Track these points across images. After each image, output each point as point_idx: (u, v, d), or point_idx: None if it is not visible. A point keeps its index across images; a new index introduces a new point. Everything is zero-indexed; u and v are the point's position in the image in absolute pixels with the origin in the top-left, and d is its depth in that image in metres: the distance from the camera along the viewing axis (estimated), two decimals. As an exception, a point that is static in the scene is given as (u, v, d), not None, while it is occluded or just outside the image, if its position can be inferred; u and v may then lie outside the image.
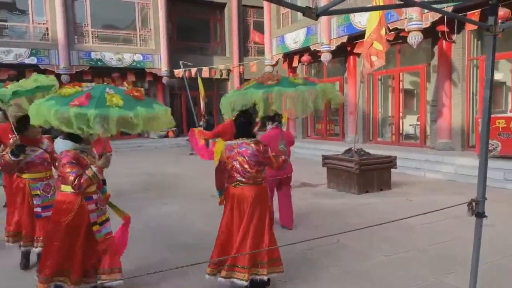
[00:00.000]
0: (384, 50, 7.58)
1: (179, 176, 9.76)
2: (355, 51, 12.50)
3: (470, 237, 2.86)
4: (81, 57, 16.56)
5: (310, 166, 10.31)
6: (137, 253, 4.34)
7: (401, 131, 12.17)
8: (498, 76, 11.40)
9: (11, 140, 5.29)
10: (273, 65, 15.95)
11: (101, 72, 17.28)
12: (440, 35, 10.05)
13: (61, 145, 3.17)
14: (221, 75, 17.78)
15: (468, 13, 8.96)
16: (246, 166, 3.34)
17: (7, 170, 4.01)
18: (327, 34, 12.65)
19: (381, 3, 7.85)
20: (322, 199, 7.10)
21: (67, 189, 3.13)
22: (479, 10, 8.72)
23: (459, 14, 7.91)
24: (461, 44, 9.96)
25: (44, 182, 4.06)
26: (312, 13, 1.94)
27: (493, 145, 7.89)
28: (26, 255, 4.09)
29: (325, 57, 12.79)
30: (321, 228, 5.28)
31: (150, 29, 18.05)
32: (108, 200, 3.50)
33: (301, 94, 3.26)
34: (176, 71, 16.65)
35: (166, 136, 18.30)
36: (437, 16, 9.30)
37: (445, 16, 9.08)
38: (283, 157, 3.52)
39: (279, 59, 15.74)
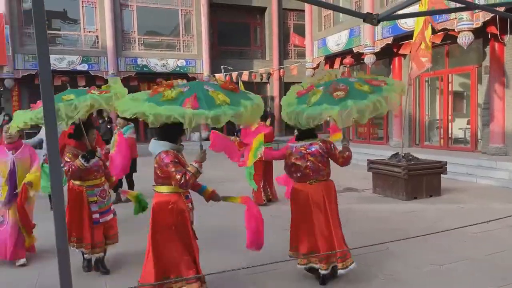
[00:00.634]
0: (428, 50, 7.32)
1: (224, 179, 9.88)
2: (401, 52, 12.16)
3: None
4: (128, 63, 17.24)
5: (353, 170, 10.06)
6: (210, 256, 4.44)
7: (450, 135, 11.68)
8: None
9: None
10: (314, 68, 15.83)
11: (146, 78, 17.91)
12: (489, 36, 9.58)
13: (157, 146, 3.18)
14: (261, 79, 17.88)
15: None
16: (320, 164, 3.67)
17: (75, 177, 3.97)
18: (371, 36, 12.40)
19: (426, 7, 7.57)
20: (367, 204, 6.95)
21: (167, 189, 3.17)
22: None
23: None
24: (514, 44, 9.44)
25: (100, 188, 4.10)
26: (373, 19, 1.91)
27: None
28: (89, 260, 4.19)
29: (369, 59, 12.54)
30: (368, 235, 5.16)
31: (193, 35, 18.49)
32: (212, 195, 3.53)
33: (374, 104, 3.33)
34: (217, 75, 16.93)
35: (207, 139, 18.61)
36: (488, 16, 8.86)
37: (497, 16, 8.64)
38: (347, 152, 3.73)
39: (320, 61, 15.61)
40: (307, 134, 3.73)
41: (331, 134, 4.47)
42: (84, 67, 16.44)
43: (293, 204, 3.87)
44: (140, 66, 17.38)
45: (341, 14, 15.03)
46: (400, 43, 11.94)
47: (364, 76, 3.91)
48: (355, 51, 13.31)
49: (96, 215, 4.03)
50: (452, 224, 4.52)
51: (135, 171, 7.63)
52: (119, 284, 3.82)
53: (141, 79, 17.84)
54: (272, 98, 19.84)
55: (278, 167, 5.26)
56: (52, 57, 15.80)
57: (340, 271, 3.68)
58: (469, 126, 11.37)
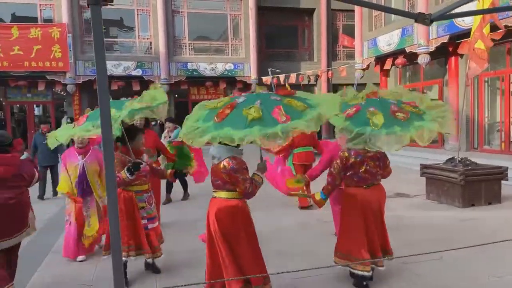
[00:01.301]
0: (486, 50, 6.87)
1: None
2: (458, 51, 11.54)
3: None
4: (178, 68, 17.80)
5: (404, 175, 9.74)
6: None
7: (511, 139, 10.89)
8: None
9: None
10: (364, 69, 15.46)
11: (196, 81, 18.41)
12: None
13: (223, 151, 3.09)
14: (308, 81, 17.74)
15: None
16: (378, 169, 3.77)
17: (120, 187, 3.82)
18: (425, 35, 11.88)
19: (484, 4, 7.12)
20: (420, 211, 6.66)
21: (232, 195, 3.14)
22: None
23: None
24: None
25: (148, 194, 4.07)
26: (426, 19, 1.84)
27: None
28: (152, 264, 4.23)
29: (423, 59, 12.01)
30: (420, 243, 4.94)
31: (241, 39, 18.74)
32: None
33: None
34: (264, 78, 17.03)
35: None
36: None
37: None
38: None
39: (370, 62, 15.20)
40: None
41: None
42: (138, 72, 17.19)
43: (347, 209, 3.81)
44: (190, 70, 17.88)
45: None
46: (457, 41, 11.32)
47: (401, 98, 3.86)
48: (407, 51, 12.81)
49: (145, 221, 4.00)
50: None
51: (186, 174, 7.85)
52: (169, 282, 3.94)
53: (190, 83, 18.36)
54: (320, 100, 19.59)
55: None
56: (109, 63, 16.72)
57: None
58: (534, 129, 10.55)
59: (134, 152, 3.89)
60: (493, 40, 9.94)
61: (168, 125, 7.67)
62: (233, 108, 2.88)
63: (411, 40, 12.54)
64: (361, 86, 17.96)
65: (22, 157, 3.75)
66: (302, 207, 6.96)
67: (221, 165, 3.08)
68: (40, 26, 15.66)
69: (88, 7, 1.42)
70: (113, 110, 3.44)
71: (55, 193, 8.49)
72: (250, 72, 18.40)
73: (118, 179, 3.56)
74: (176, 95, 18.76)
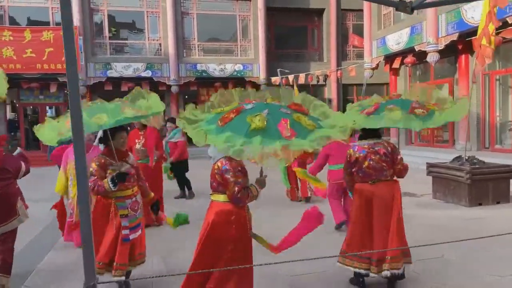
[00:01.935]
0: (490, 46, 6.74)
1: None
2: (468, 49, 11.33)
3: None
4: (188, 69, 17.91)
5: (413, 174, 9.51)
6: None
7: (524, 138, 10.67)
8: None
9: (136, 145, 5.91)
10: (373, 68, 15.31)
11: (205, 82, 18.49)
12: None
13: (218, 151, 2.88)
14: (317, 81, 17.65)
15: None
16: (384, 164, 3.61)
17: (101, 195, 3.51)
18: (434, 33, 11.72)
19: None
20: (426, 210, 6.55)
21: (224, 198, 2.91)
22: None
23: None
24: None
25: (132, 200, 3.60)
26: (407, 7, 1.81)
27: None
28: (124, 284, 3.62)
29: (432, 57, 11.84)
30: (422, 241, 4.84)
31: (250, 39, 18.76)
32: None
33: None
34: (273, 79, 17.01)
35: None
36: None
37: None
38: (406, 164, 3.77)
39: (379, 61, 15.06)
40: (372, 133, 3.71)
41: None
42: (148, 73, 17.35)
43: (355, 205, 3.79)
44: (200, 71, 17.97)
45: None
46: (467, 39, 11.12)
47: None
48: (417, 50, 12.64)
49: (126, 231, 3.49)
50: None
51: (187, 171, 7.93)
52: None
53: (200, 84, 18.45)
54: (330, 101, 19.47)
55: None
56: (119, 65, 16.93)
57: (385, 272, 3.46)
58: (547, 128, 10.30)
59: (117, 153, 3.51)
60: (503, 38, 9.78)
61: (169, 125, 7.74)
62: (239, 113, 2.71)
63: (420, 39, 12.38)
64: (370, 86, 17.85)
65: (15, 153, 3.93)
66: (304, 198, 7.30)
67: (215, 166, 2.93)
68: (52, 29, 15.94)
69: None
70: (104, 116, 3.30)
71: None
72: (259, 72, 18.41)
73: (100, 188, 3.33)
74: (186, 96, 18.88)
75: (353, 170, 3.74)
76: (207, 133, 2.64)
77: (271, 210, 6.64)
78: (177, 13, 17.59)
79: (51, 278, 4.12)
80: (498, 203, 6.67)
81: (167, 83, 17.41)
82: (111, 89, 16.65)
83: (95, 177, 3.37)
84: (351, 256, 3.62)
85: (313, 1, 19.78)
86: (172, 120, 7.91)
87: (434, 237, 5.02)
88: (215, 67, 18.08)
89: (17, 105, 17.42)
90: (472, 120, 11.50)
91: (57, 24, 16.61)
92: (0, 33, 15.15)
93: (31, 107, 18.44)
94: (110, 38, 17.51)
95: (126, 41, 18.39)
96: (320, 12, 20.32)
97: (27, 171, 3.86)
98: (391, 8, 14.18)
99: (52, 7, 16.64)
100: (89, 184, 3.26)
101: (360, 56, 18.88)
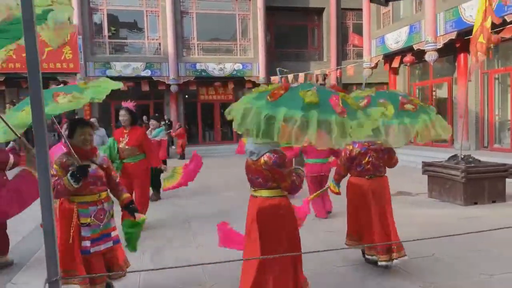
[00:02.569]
0: (486, 43, 6.70)
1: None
2: (466, 47, 11.28)
3: None
4: (187, 68, 17.91)
5: (410, 174, 9.58)
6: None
7: (523, 137, 10.60)
8: None
9: (120, 144, 5.72)
10: (373, 68, 15.27)
11: (204, 82, 18.49)
12: None
13: (262, 145, 2.82)
14: (316, 80, 17.61)
15: None
16: (381, 161, 3.91)
17: (63, 196, 3.03)
18: (432, 32, 11.67)
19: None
20: (421, 209, 6.51)
21: (275, 193, 2.89)
22: None
23: None
24: None
25: (97, 207, 3.10)
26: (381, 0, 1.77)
27: None
28: None
29: (431, 56, 11.79)
30: (415, 239, 4.81)
31: (249, 39, 18.74)
32: None
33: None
34: (272, 78, 16.98)
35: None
36: None
37: None
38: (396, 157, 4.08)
39: (378, 61, 15.01)
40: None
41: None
42: (147, 73, 17.36)
43: (350, 197, 4.06)
44: (199, 70, 17.96)
45: (401, 10, 14.37)
46: (465, 38, 11.07)
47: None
48: (415, 49, 12.60)
49: (86, 243, 3.02)
50: None
51: (162, 172, 7.16)
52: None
53: (199, 84, 18.45)
54: (330, 100, 19.44)
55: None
56: (119, 64, 16.95)
57: (395, 261, 3.79)
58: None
59: (80, 152, 3.05)
60: (502, 37, 9.71)
61: (152, 122, 7.68)
62: (287, 90, 2.66)
63: (419, 37, 12.33)
64: (370, 85, 17.77)
65: (9, 146, 4.10)
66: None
67: (262, 161, 2.81)
68: (52, 29, 15.97)
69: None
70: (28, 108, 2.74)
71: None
72: (258, 72, 18.39)
73: (59, 186, 2.86)
74: (185, 96, 18.88)
75: (352, 164, 3.96)
76: (258, 109, 2.56)
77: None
78: (176, 12, 17.60)
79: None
80: (493, 202, 6.62)
81: (166, 82, 17.42)
82: (111, 88, 16.66)
83: (56, 177, 2.93)
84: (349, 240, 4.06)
85: (312, 0, 19.74)
86: (156, 118, 7.88)
87: (426, 236, 4.96)
88: (215, 67, 18.07)
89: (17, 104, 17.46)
90: (471, 119, 11.44)
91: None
92: (0, 32, 15.19)
93: (31, 106, 18.46)
94: (109, 37, 17.53)
95: (125, 40, 18.41)
96: (319, 11, 20.29)
97: (16, 164, 4.01)
98: (390, 7, 14.13)
99: (51, 7, 16.67)
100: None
101: (360, 55, 18.82)
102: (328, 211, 6.08)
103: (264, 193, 2.89)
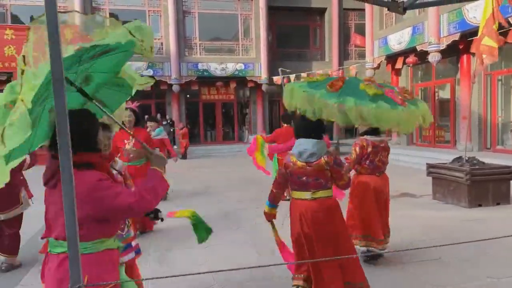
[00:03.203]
0: (497, 46, 6.70)
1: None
2: (471, 50, 11.27)
3: None
4: (189, 68, 17.91)
5: (414, 175, 9.59)
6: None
7: (526, 138, 10.60)
8: None
9: (127, 146, 5.66)
10: (375, 68, 15.26)
11: (206, 82, 18.49)
12: None
13: (322, 147, 2.97)
14: (319, 81, 17.59)
15: None
16: (387, 158, 4.19)
17: None
18: (436, 33, 11.66)
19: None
20: (424, 210, 6.52)
21: (329, 193, 3.03)
22: None
23: None
24: None
25: None
26: (399, 8, 1.79)
27: None
28: None
29: (434, 57, 11.78)
30: (419, 243, 4.83)
31: (252, 39, 18.75)
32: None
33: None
34: (275, 78, 16.98)
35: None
36: None
37: None
38: None
39: (381, 61, 15.00)
40: (375, 131, 4.08)
41: None
42: (149, 72, 17.33)
43: (359, 194, 4.15)
44: (201, 70, 17.96)
45: (404, 11, 14.33)
46: (469, 39, 11.06)
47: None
48: (418, 50, 12.59)
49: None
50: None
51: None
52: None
53: (201, 83, 18.46)
54: (331, 100, 19.46)
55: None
56: (121, 64, 16.92)
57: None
58: (549, 129, 10.24)
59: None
60: (506, 42, 9.70)
61: (151, 124, 7.70)
62: (344, 82, 2.82)
63: (422, 38, 12.33)
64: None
65: None
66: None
67: (323, 161, 2.92)
68: (54, 28, 15.98)
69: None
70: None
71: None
72: (260, 72, 18.40)
73: None
74: (187, 95, 18.88)
75: (365, 162, 4.10)
76: (323, 97, 2.70)
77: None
78: (178, 12, 17.60)
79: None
80: (498, 204, 6.63)
81: (168, 82, 17.43)
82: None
83: None
84: (360, 238, 4.14)
85: (315, 0, 19.74)
86: (153, 119, 7.97)
87: (431, 238, 4.99)
88: (217, 66, 18.08)
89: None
90: (474, 121, 11.44)
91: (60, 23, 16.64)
92: (3, 31, 15.17)
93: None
94: (111, 37, 17.52)
95: (127, 40, 18.40)
96: (322, 11, 20.29)
97: (32, 164, 4.25)
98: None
99: (54, 6, 16.68)
100: None
101: (362, 55, 18.84)
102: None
103: (323, 193, 2.98)
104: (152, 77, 2.62)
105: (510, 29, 9.39)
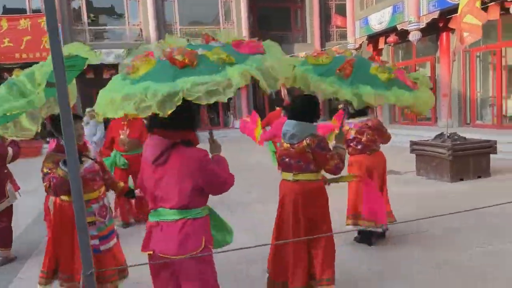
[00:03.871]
0: (480, 23, 6.84)
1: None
2: (450, 26, 11.45)
3: None
4: (171, 54, 17.64)
5: (397, 153, 9.76)
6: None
7: (504, 113, 10.93)
8: None
9: (121, 136, 5.52)
10: (357, 49, 15.35)
11: (189, 67, 18.28)
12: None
13: (304, 128, 2.85)
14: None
15: None
16: (376, 137, 4.17)
17: (62, 191, 2.77)
18: (415, 11, 11.79)
19: None
20: (409, 187, 6.73)
21: (315, 176, 2.92)
22: None
23: None
24: None
25: (99, 204, 2.97)
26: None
27: None
28: None
29: (414, 36, 11.94)
30: (408, 217, 5.00)
31: (233, 22, 18.56)
32: None
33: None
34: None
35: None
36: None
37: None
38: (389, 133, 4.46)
39: (362, 42, 15.10)
40: (362, 112, 4.09)
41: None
42: (129, 59, 17.04)
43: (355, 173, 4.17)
44: (183, 56, 17.73)
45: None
46: (448, 17, 11.24)
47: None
48: (399, 29, 12.72)
49: (95, 241, 2.85)
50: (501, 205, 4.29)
51: None
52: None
53: (184, 69, 18.24)
54: (314, 82, 19.54)
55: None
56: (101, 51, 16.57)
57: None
58: (526, 103, 10.59)
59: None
60: (489, 20, 9.88)
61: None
62: (353, 66, 2.73)
63: (402, 17, 12.45)
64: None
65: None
66: None
67: (304, 144, 2.81)
68: (29, 17, 15.50)
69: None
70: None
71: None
72: (243, 55, 18.26)
73: (55, 180, 2.69)
74: (169, 82, 18.68)
75: (352, 144, 4.20)
76: (334, 84, 2.66)
77: (263, 194, 6.73)
78: (157, -4, 17.25)
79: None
80: (479, 177, 6.89)
81: (150, 68, 17.16)
82: (93, 77, 16.35)
83: (50, 173, 2.75)
84: (350, 217, 4.25)
85: (295, -19, 19.60)
86: None
87: (417, 212, 5.19)
88: (198, 51, 17.84)
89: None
90: (454, 97, 11.71)
91: (34, 11, 16.14)
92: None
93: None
94: (89, 24, 17.10)
95: (106, 27, 18.00)
96: (302, -8, 20.16)
97: (15, 157, 4.23)
98: (373, -13, 14.15)
99: (27, -6, 16.14)
100: (44, 184, 2.77)
101: (343, 36, 18.87)
102: None
103: (305, 176, 2.88)
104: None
105: (488, 6, 9.58)
